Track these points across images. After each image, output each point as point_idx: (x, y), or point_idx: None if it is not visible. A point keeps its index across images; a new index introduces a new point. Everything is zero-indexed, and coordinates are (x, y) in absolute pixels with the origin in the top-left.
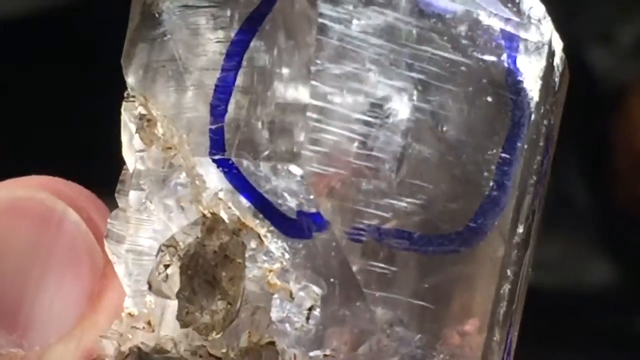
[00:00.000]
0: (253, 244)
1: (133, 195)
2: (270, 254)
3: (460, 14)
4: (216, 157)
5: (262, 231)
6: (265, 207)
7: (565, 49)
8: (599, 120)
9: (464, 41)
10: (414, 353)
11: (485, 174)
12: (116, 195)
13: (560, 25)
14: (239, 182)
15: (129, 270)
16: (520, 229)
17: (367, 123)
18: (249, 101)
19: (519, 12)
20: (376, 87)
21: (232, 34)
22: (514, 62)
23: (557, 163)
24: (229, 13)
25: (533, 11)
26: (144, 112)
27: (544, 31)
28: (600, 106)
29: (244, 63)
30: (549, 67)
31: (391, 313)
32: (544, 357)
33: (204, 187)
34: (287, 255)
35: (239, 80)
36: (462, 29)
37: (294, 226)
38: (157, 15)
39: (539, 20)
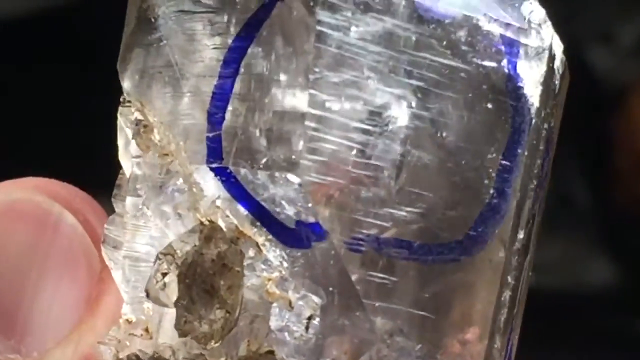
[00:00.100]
0: (251, 253)
1: (130, 201)
2: (268, 263)
3: (460, 19)
4: (214, 166)
5: (260, 240)
6: (263, 216)
7: (565, 50)
8: (600, 120)
9: (463, 47)
10: None
11: (486, 181)
12: (113, 199)
13: (561, 26)
14: (237, 190)
15: (127, 276)
16: (521, 235)
17: (365, 131)
18: (246, 108)
19: (519, 17)
20: (375, 94)
21: (229, 41)
22: (514, 68)
23: (557, 163)
24: (225, 19)
25: (533, 15)
26: (140, 117)
27: (544, 36)
28: (601, 106)
29: (241, 70)
30: (550, 71)
31: (391, 323)
32: (544, 357)
33: (201, 194)
34: (285, 264)
35: (236, 87)
36: (462, 34)
37: (293, 236)
38: (153, 20)
39: (539, 25)
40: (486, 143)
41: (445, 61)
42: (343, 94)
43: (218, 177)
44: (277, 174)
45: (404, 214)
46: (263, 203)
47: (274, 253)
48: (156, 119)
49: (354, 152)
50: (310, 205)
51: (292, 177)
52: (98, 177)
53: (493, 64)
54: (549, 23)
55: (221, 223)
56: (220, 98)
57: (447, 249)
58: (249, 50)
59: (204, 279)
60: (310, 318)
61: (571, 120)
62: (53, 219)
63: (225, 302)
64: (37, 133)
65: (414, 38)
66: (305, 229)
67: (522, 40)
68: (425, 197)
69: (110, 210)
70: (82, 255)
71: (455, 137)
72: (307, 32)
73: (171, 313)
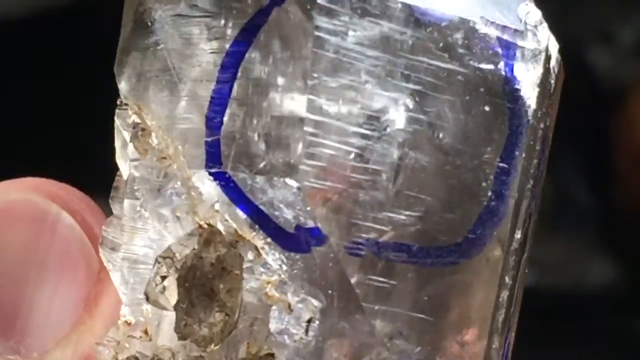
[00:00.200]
0: (250, 256)
1: (127, 203)
2: (267, 266)
3: (456, 22)
4: (213, 170)
5: (259, 243)
6: (262, 219)
7: (564, 50)
8: (599, 120)
9: (460, 50)
10: None
11: (484, 184)
12: (110, 201)
13: (560, 25)
14: (236, 194)
15: (125, 278)
16: (518, 235)
17: (364, 136)
18: (244, 113)
19: (515, 19)
20: (373, 99)
21: (227, 45)
22: (511, 71)
23: (557, 164)
24: (222, 23)
25: (529, 17)
26: (138, 120)
27: (540, 38)
28: (601, 106)
29: (239, 74)
30: (546, 72)
31: (391, 326)
32: (544, 357)
33: (200, 198)
34: (284, 267)
35: (234, 91)
36: (459, 37)
37: (293, 240)
38: (149, 23)
39: (536, 27)
40: (483, 146)
41: (442, 64)
42: (341, 99)
43: (217, 181)
44: (275, 178)
45: (402, 217)
46: (262, 207)
47: (273, 256)
48: (154, 123)
49: (353, 156)
50: (309, 208)
51: (291, 182)
52: (95, 178)
53: (490, 67)
54: (545, 24)
55: (220, 227)
56: (219, 103)
57: (446, 251)
58: (247, 55)
59: (203, 282)
60: (309, 321)
61: (571, 120)
62: (51, 220)
63: (224, 305)
64: (36, 133)
65: (410, 42)
66: (305, 233)
67: (519, 42)
68: (423, 200)
69: (107, 211)
70: (81, 256)
71: (453, 140)
72: (304, 37)
73: (170, 315)
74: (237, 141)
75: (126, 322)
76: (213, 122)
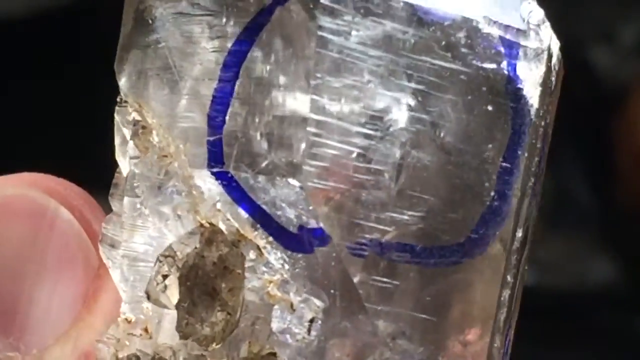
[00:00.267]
0: (252, 255)
1: (127, 200)
2: (270, 265)
3: (459, 21)
4: (215, 170)
5: (261, 242)
6: (264, 219)
7: (565, 49)
8: (600, 120)
9: (463, 49)
10: None
11: (486, 183)
12: (110, 198)
13: (562, 25)
14: (238, 193)
15: (125, 275)
16: (519, 233)
17: (366, 136)
18: (246, 112)
19: (518, 19)
20: (375, 98)
21: (229, 44)
22: (514, 70)
23: (558, 163)
24: (224, 22)
25: (532, 16)
26: (138, 118)
27: (543, 37)
28: (601, 106)
29: (241, 73)
30: (548, 70)
31: (393, 326)
32: (544, 356)
33: (201, 197)
34: (286, 267)
35: (236, 90)
36: (461, 36)
37: (295, 240)
38: (150, 21)
39: (538, 26)
40: (486, 145)
41: (445, 64)
42: (344, 99)
43: (219, 181)
44: (278, 177)
45: (405, 217)
46: (264, 206)
47: (275, 256)
48: (154, 121)
49: (355, 156)
50: (311, 208)
51: (293, 181)
52: (94, 176)
53: (493, 66)
54: (547, 23)
55: (222, 226)
56: (221, 102)
57: (449, 251)
58: (249, 54)
59: (205, 281)
60: (312, 321)
61: (572, 119)
62: (49, 215)
63: (226, 304)
64: (36, 133)
65: (413, 41)
66: (308, 233)
67: (522, 42)
68: (426, 200)
69: (106, 208)
70: (79, 251)
71: (455, 139)
72: (308, 36)
73: (171, 313)
74: (240, 140)
75: (126, 319)
76: (215, 121)
